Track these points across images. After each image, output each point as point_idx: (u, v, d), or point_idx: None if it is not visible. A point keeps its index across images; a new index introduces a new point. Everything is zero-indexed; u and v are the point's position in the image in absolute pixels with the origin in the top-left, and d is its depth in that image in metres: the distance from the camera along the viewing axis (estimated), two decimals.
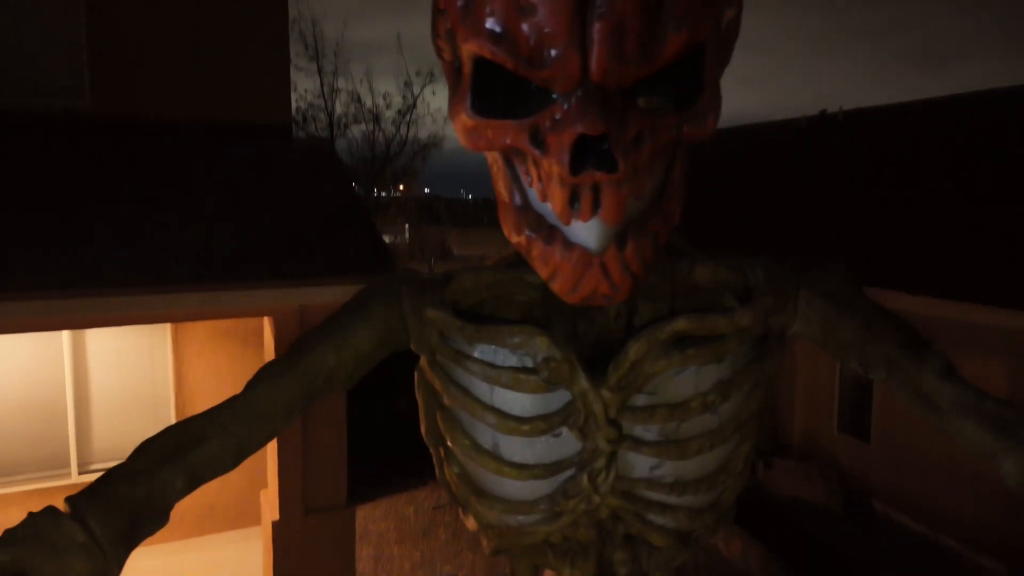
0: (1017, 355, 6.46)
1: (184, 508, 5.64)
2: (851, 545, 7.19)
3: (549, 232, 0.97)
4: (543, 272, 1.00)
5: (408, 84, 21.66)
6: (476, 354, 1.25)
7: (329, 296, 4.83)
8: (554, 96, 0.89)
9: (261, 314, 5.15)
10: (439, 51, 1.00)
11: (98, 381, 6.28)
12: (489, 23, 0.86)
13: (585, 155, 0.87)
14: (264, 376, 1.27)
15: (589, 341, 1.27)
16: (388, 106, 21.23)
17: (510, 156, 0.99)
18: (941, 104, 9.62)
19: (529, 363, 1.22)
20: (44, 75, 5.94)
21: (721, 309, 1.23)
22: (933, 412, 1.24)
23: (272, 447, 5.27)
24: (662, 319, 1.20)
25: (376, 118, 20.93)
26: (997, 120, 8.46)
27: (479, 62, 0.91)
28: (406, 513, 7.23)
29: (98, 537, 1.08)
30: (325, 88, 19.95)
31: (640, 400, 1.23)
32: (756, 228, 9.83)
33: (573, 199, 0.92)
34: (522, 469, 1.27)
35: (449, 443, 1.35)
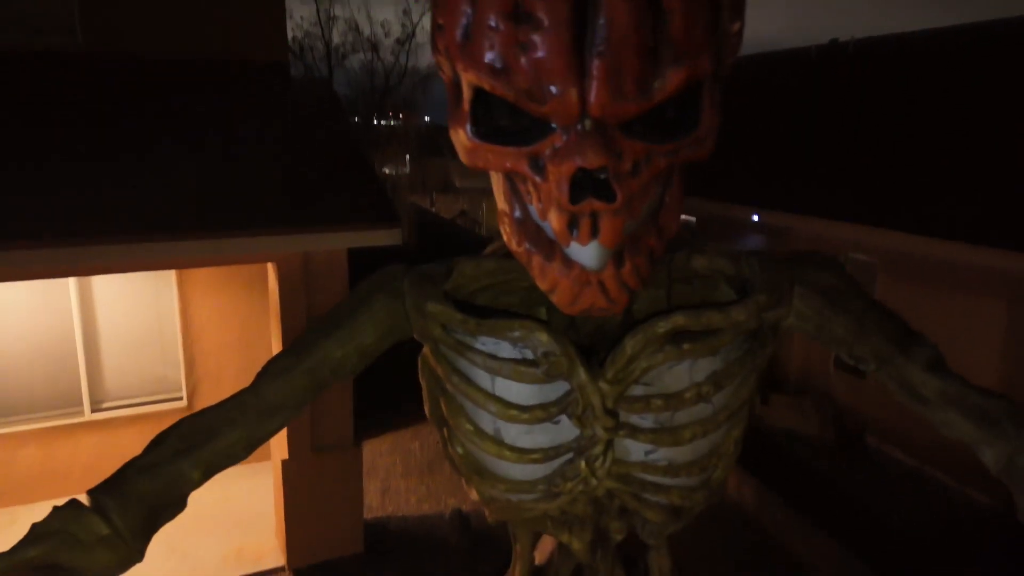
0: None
1: None
2: (844, 477, 7.41)
3: (549, 247, 0.99)
4: (542, 285, 1.02)
5: (407, 12, 21.02)
6: (478, 346, 1.29)
7: (332, 243, 4.85)
8: (553, 125, 0.89)
9: (264, 260, 5.17)
10: (438, 64, 0.99)
11: (105, 322, 6.37)
12: (488, 57, 0.86)
13: (583, 183, 0.88)
14: (272, 370, 1.31)
15: (587, 329, 1.31)
16: (387, 35, 20.69)
17: (510, 175, 1.00)
18: (954, 33, 9.33)
19: (530, 356, 1.26)
20: (34, 13, 5.78)
21: (717, 305, 1.26)
22: (920, 402, 1.28)
23: None
24: (659, 315, 1.23)
25: (375, 47, 20.42)
26: (1010, 51, 8.22)
27: (479, 90, 0.91)
28: (412, 448, 7.44)
29: (120, 530, 1.14)
30: (321, 16, 19.39)
31: (637, 391, 1.27)
32: (763, 160, 9.73)
33: (572, 225, 0.93)
34: (522, 453, 1.32)
35: (452, 426, 1.40)
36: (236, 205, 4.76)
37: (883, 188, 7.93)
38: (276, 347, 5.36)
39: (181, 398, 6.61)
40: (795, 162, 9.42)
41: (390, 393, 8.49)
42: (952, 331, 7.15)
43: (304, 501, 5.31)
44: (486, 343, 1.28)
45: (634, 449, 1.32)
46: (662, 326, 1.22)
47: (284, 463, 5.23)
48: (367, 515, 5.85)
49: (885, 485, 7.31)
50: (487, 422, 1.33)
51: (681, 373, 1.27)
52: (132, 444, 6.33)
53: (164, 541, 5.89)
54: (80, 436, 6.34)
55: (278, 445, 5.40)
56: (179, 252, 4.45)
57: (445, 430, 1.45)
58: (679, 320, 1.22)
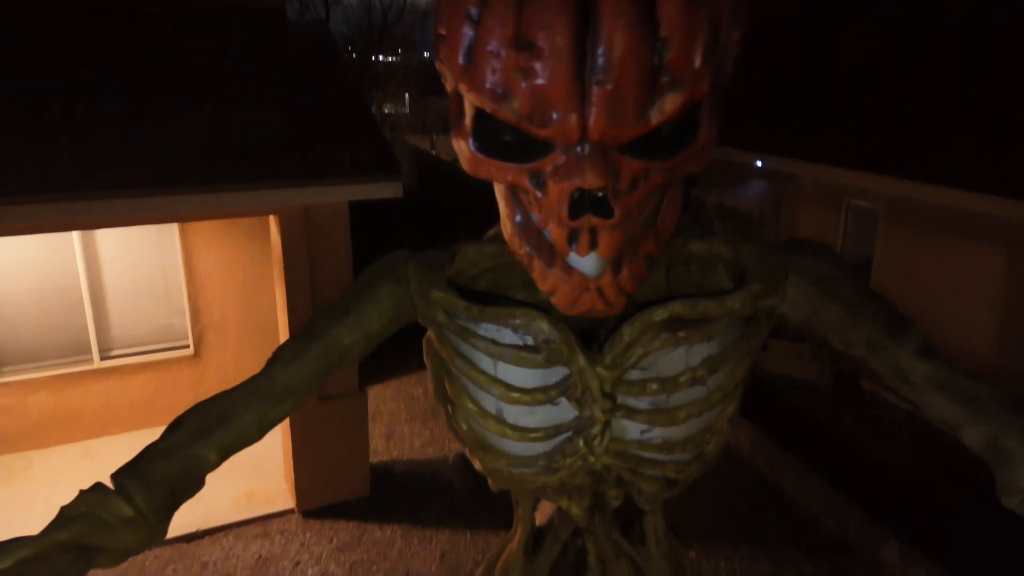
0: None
1: (204, 390, 6.01)
2: (839, 421, 7.58)
3: (549, 253, 1.01)
4: (542, 287, 1.05)
5: None
6: (480, 331, 1.33)
7: (333, 196, 4.85)
8: (554, 144, 0.91)
9: (265, 213, 5.18)
10: (440, 74, 0.99)
11: (110, 272, 6.41)
12: (490, 82, 0.87)
13: (582, 200, 0.90)
14: (284, 356, 1.35)
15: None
16: None
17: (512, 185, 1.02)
18: None
19: (531, 342, 1.30)
20: None
21: (712, 294, 1.29)
22: (907, 386, 1.32)
23: (284, 336, 5.48)
24: (656, 303, 1.26)
25: None
26: None
27: (481, 109, 0.91)
28: (415, 394, 7.58)
29: (143, 511, 1.20)
30: None
31: (634, 375, 1.32)
32: (767, 106, 9.58)
33: (571, 238, 0.96)
34: (523, 432, 1.38)
35: (456, 405, 1.45)
36: (236, 157, 4.74)
37: (886, 134, 7.84)
38: (280, 298, 5.41)
39: (188, 346, 6.71)
40: (799, 108, 9.28)
41: (394, 340, 8.62)
42: (950, 279, 7.20)
43: (312, 447, 5.46)
44: (488, 329, 1.32)
45: (631, 428, 1.37)
46: (659, 314, 1.25)
47: None
48: (373, 459, 6.02)
49: (879, 429, 7.47)
50: (490, 403, 1.38)
51: (677, 358, 1.32)
52: (141, 391, 6.51)
53: None
54: (90, 383, 6.47)
55: None
56: (179, 206, 4.45)
57: (449, 407, 1.51)
58: (676, 308, 1.26)
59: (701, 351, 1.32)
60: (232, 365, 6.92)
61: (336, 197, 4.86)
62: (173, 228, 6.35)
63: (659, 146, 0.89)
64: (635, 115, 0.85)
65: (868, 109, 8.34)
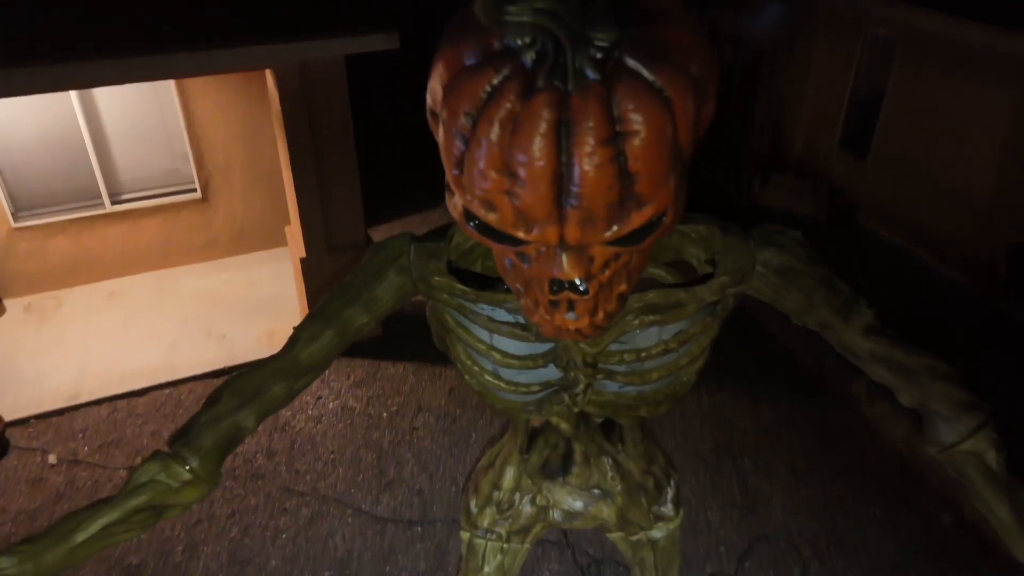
0: None
1: (215, 233, 6.32)
2: (832, 256, 7.84)
3: (534, 297, 1.13)
4: (528, 317, 1.18)
5: None
6: (478, 309, 1.49)
7: (328, 50, 4.71)
8: None
9: (262, 68, 5.05)
10: (432, 127, 1.05)
11: (109, 119, 6.37)
12: (479, 193, 0.95)
13: (562, 281, 1.02)
14: (304, 336, 1.52)
15: None
16: None
17: None
18: None
19: (522, 320, 1.46)
20: None
21: (684, 284, 1.43)
22: (854, 358, 1.52)
23: (291, 191, 5.58)
24: (634, 292, 1.41)
25: None
26: None
27: None
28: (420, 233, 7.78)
29: (198, 472, 1.44)
30: None
31: (613, 347, 1.50)
32: None
33: (552, 304, 1.08)
34: (516, 386, 1.59)
35: (457, 359, 1.64)
36: (228, 13, 4.55)
37: None
38: (283, 153, 5.43)
39: (195, 190, 6.82)
40: None
41: (396, 182, 8.68)
42: (959, 118, 7.09)
43: (322, 294, 5.77)
44: (485, 308, 1.48)
45: (610, 386, 1.58)
46: (635, 302, 1.41)
47: (303, 261, 5.59)
48: None
49: (870, 263, 7.74)
50: (487, 364, 1.58)
51: (651, 334, 1.49)
52: (155, 233, 6.83)
53: (203, 327, 6.54)
54: (104, 227, 6.68)
55: (296, 244, 5.73)
56: (173, 67, 4.37)
57: (451, 354, 1.70)
58: (650, 297, 1.41)
59: (673, 328, 1.49)
60: (240, 208, 7.08)
61: (332, 51, 4.73)
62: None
63: (630, 236, 0.99)
64: (605, 228, 0.94)
65: None
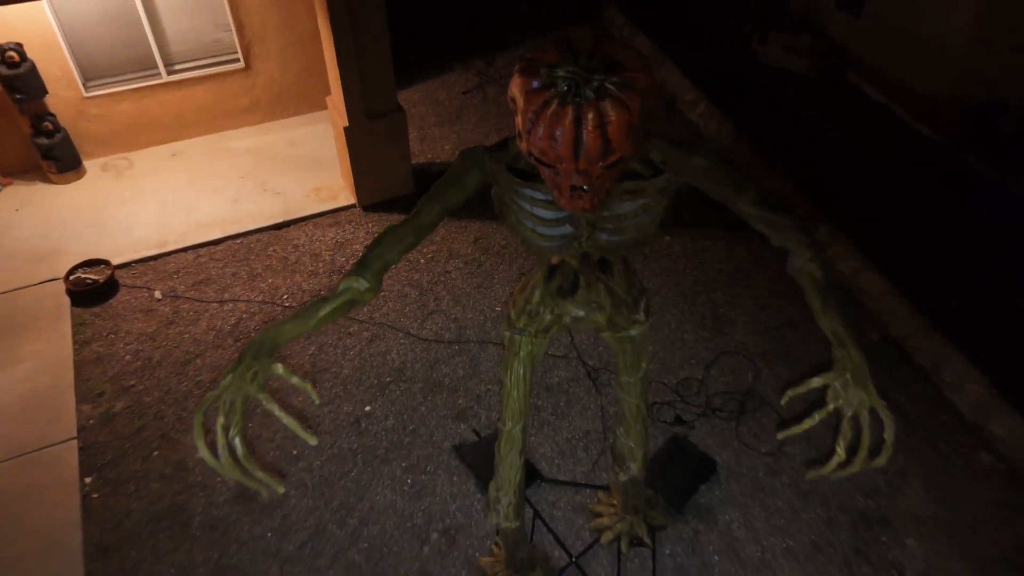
0: None
1: (256, 98, 7.54)
2: (819, 108, 8.52)
3: (559, 191, 2.12)
4: (556, 200, 2.18)
5: None
6: (525, 191, 2.47)
7: None
8: None
9: None
10: (512, 108, 2.00)
11: None
12: (538, 147, 1.93)
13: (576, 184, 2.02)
14: (424, 208, 2.48)
15: None
16: None
17: None
18: None
19: (551, 199, 2.45)
20: None
21: (646, 177, 2.41)
22: (746, 219, 2.50)
23: (331, 62, 6.29)
24: (617, 182, 2.38)
25: None
26: None
27: None
28: (440, 97, 8.50)
29: (372, 284, 2.45)
30: None
31: (604, 214, 2.50)
32: None
33: (571, 196, 2.08)
34: (545, 237, 2.60)
35: (509, 221, 2.64)
36: None
37: None
38: (323, 22, 6.04)
39: (239, 59, 7.52)
40: None
41: (421, 48, 9.22)
42: None
43: (365, 156, 6.67)
44: (528, 191, 2.47)
45: (602, 236, 2.60)
46: (617, 188, 2.39)
47: (346, 129, 6.44)
48: (412, 161, 7.27)
49: (853, 115, 8.40)
50: (528, 223, 2.58)
51: (627, 205, 2.48)
52: (204, 99, 8.07)
53: (258, 184, 7.83)
54: (162, 95, 7.47)
55: (339, 113, 6.55)
56: None
57: (507, 221, 2.69)
58: (626, 185, 2.40)
59: (640, 202, 2.48)
60: (278, 73, 7.80)
61: None
62: None
63: (608, 167, 1.96)
64: (599, 162, 1.93)
65: None
